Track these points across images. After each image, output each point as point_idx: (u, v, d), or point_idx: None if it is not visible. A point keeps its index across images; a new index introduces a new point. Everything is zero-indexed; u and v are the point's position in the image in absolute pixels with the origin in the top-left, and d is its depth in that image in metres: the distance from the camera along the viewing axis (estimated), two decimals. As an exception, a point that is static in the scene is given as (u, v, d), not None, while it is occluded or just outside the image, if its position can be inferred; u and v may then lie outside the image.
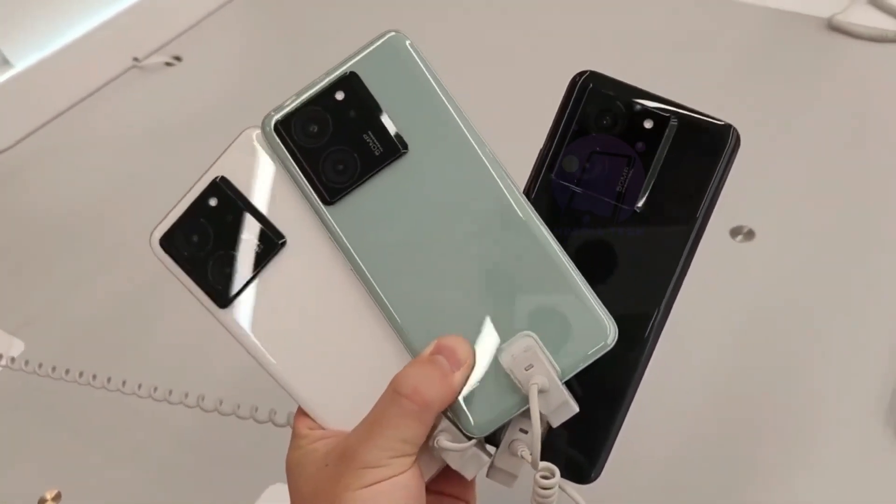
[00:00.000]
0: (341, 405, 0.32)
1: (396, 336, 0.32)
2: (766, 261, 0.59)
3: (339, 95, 0.31)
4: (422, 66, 0.32)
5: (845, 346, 0.53)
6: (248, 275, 0.32)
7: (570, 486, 0.32)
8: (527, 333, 0.31)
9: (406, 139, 0.31)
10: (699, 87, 0.73)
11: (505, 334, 0.31)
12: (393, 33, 0.32)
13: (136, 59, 0.88)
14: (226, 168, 0.32)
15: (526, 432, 0.32)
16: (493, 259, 0.31)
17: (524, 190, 0.34)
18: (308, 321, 0.33)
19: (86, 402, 0.54)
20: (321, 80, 0.32)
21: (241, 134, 0.32)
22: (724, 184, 0.33)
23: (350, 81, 0.31)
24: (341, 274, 0.32)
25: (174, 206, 0.33)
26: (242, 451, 0.52)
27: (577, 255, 0.33)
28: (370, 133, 0.31)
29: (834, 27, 0.80)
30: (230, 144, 0.32)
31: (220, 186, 0.32)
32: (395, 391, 0.30)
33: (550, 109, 0.34)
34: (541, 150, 0.34)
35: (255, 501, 0.48)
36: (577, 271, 0.31)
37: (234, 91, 0.85)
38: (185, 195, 0.33)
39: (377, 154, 0.31)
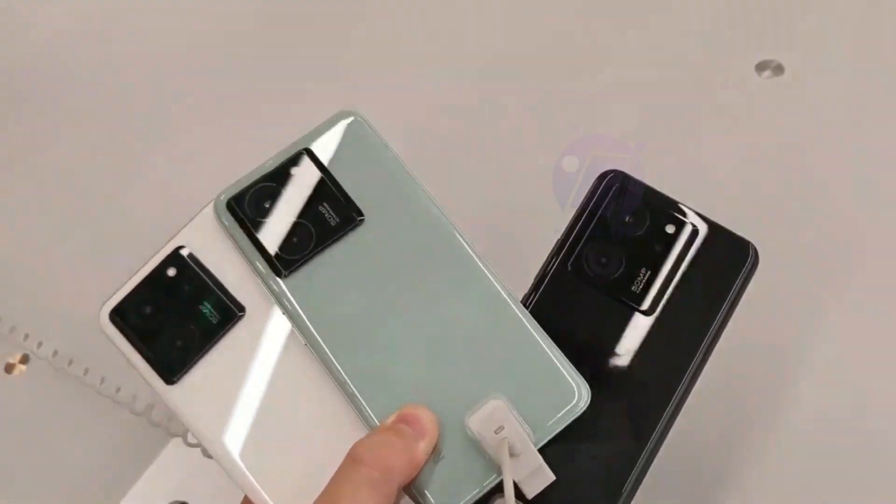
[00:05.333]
0: (296, 494, 0.30)
1: (357, 414, 0.31)
2: (796, 101, 0.51)
3: (293, 171, 0.32)
4: (375, 139, 0.33)
5: (885, 198, 0.47)
6: (202, 348, 0.31)
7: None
8: (495, 396, 0.30)
9: (363, 208, 0.32)
10: None
11: (471, 403, 0.30)
12: (349, 117, 0.33)
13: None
14: (187, 239, 0.32)
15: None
16: (454, 325, 0.31)
17: (535, 277, 0.34)
18: (263, 399, 0.31)
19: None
20: (275, 160, 0.33)
21: (204, 207, 0.32)
22: (739, 300, 0.33)
23: (303, 158, 0.33)
24: (301, 347, 0.32)
25: (129, 278, 0.32)
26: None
27: (583, 346, 0.33)
28: (325, 205, 0.32)
29: None
30: (193, 217, 0.32)
31: (181, 256, 0.32)
32: (353, 459, 0.27)
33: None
34: (557, 241, 0.35)
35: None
36: (544, 334, 0.31)
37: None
38: (142, 266, 0.32)
39: (333, 224, 0.32)
